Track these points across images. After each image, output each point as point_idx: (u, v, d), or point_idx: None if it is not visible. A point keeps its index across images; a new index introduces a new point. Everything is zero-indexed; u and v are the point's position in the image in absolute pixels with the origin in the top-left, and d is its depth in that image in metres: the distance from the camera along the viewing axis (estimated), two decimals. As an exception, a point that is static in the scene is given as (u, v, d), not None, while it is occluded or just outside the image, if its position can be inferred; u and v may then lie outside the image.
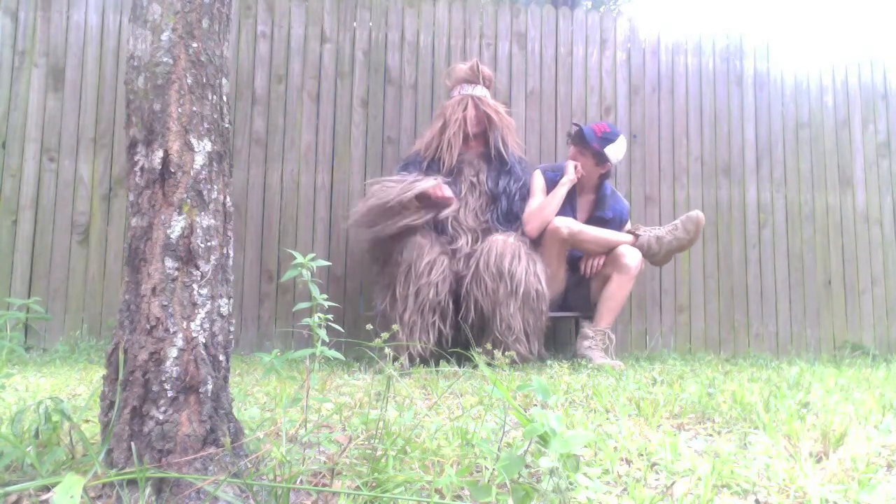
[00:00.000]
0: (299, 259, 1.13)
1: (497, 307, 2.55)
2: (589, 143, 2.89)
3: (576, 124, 2.98)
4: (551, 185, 2.95)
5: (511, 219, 2.88)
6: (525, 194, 2.94)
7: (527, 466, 0.95)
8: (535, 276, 2.61)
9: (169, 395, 0.88)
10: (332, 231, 3.25)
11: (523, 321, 2.57)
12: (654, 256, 2.87)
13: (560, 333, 3.37)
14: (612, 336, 2.80)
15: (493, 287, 2.55)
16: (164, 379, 0.88)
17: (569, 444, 0.81)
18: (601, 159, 2.92)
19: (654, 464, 1.07)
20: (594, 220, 2.99)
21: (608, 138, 2.90)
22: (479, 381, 1.97)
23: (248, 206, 3.18)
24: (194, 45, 0.97)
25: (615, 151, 2.92)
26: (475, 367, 2.22)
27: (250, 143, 3.22)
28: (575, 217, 2.96)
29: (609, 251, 2.83)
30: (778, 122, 3.72)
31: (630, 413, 1.45)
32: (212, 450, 0.89)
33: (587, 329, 2.79)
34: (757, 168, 3.66)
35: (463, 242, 2.75)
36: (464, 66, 2.95)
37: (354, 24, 3.38)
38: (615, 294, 2.77)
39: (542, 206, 2.86)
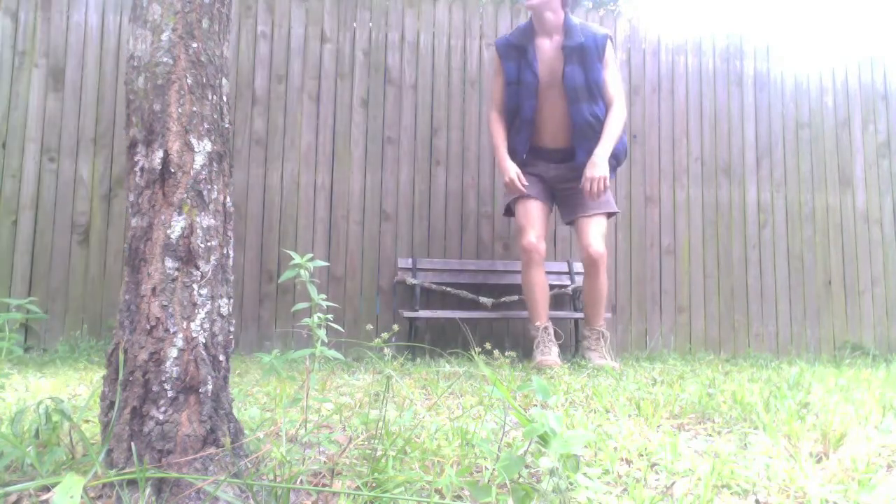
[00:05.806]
0: (297, 259, 1.13)
1: None
2: None
3: None
4: (504, 51, 2.78)
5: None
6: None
7: (527, 466, 0.95)
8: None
9: (169, 396, 0.88)
10: (332, 231, 3.24)
11: None
12: None
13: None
14: (607, 333, 2.80)
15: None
16: (164, 379, 0.88)
17: (569, 445, 0.81)
18: None
19: (654, 464, 1.07)
20: (566, 48, 2.70)
21: None
22: (479, 381, 1.97)
23: (248, 206, 3.18)
24: (194, 45, 0.97)
25: None
26: (483, 352, 2.22)
27: (250, 143, 3.22)
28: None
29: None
30: (778, 122, 3.72)
31: (630, 413, 1.45)
32: (212, 450, 0.89)
33: (584, 330, 2.82)
34: (757, 168, 3.66)
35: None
36: None
37: (354, 24, 3.37)
38: (591, 290, 2.76)
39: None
